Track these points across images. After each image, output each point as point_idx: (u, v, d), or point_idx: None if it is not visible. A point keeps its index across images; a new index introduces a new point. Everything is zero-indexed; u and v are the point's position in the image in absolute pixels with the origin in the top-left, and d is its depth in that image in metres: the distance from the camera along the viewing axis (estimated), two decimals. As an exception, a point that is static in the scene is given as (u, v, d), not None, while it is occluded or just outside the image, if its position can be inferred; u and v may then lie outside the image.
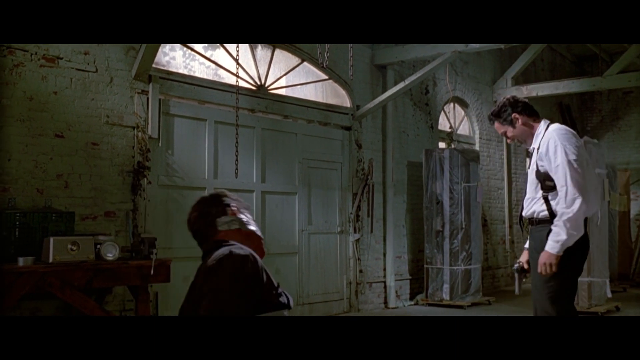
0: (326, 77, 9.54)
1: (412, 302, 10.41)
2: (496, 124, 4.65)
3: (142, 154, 6.98)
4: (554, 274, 4.23)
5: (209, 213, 2.79)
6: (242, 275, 2.38)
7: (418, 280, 10.66)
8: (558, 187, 4.24)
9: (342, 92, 9.84)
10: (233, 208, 2.82)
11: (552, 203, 4.31)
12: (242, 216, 2.84)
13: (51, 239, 5.39)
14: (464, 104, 12.61)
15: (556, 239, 4.19)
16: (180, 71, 7.69)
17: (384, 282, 10.11)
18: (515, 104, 4.52)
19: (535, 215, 4.46)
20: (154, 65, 7.11)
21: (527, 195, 4.54)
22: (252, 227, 2.84)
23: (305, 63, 9.23)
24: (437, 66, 9.89)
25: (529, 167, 4.58)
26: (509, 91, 13.10)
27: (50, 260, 5.32)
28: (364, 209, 9.77)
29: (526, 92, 12.89)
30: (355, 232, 9.64)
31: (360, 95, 9.97)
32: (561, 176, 4.20)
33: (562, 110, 15.79)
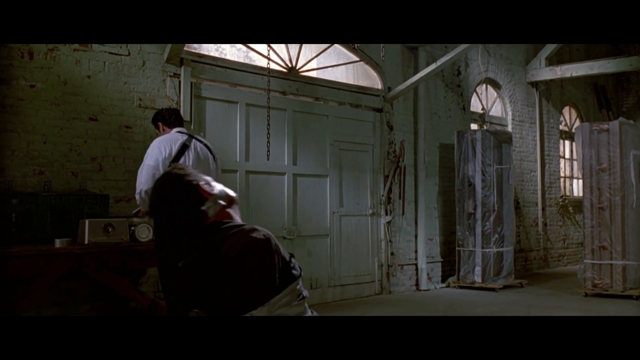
0: (357, 59, 9.50)
1: (444, 285, 10.38)
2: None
3: (174, 137, 7.02)
4: None
5: (191, 206, 2.52)
6: (269, 260, 2.36)
7: (449, 262, 10.63)
8: None
9: (374, 73, 9.79)
10: (204, 187, 2.57)
11: None
12: (214, 189, 2.59)
13: (86, 221, 5.48)
14: (496, 85, 12.46)
15: None
16: (212, 54, 7.71)
17: (416, 264, 10.10)
18: (158, 115, 5.67)
19: None
20: (185, 49, 7.14)
21: None
22: (230, 193, 2.63)
23: (336, 45, 9.19)
24: (470, 47, 9.77)
25: None
26: (542, 72, 12.92)
27: (86, 241, 5.41)
28: (395, 191, 9.74)
29: (560, 72, 12.69)
30: (386, 214, 9.63)
31: (392, 77, 9.90)
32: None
33: (597, 91, 15.50)
